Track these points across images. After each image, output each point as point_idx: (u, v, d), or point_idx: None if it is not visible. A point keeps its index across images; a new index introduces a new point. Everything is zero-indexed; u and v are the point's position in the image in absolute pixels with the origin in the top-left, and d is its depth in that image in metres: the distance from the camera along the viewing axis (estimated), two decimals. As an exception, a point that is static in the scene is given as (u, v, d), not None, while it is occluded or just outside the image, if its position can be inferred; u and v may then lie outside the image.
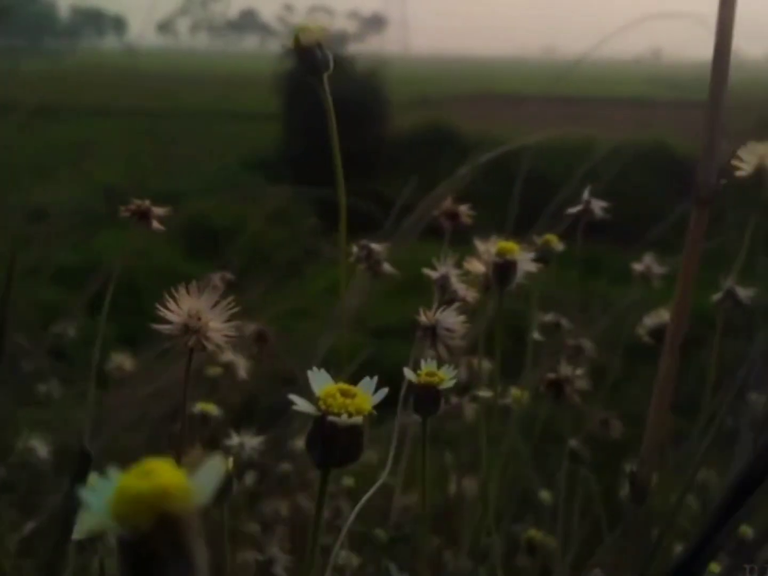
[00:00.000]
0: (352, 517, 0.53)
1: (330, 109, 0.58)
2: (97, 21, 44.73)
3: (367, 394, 0.39)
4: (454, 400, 0.80)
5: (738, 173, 0.63)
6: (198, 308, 0.50)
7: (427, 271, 0.63)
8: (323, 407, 0.38)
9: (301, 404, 0.38)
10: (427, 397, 0.51)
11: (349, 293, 1.27)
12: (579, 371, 0.74)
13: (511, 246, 0.58)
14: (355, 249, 0.68)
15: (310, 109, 9.63)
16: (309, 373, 0.39)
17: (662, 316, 0.69)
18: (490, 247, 0.57)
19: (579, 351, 0.86)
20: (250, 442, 0.79)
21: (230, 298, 0.50)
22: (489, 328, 1.02)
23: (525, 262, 0.58)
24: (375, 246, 0.67)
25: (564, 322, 0.81)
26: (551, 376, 0.74)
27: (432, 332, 0.58)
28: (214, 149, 9.28)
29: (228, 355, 0.93)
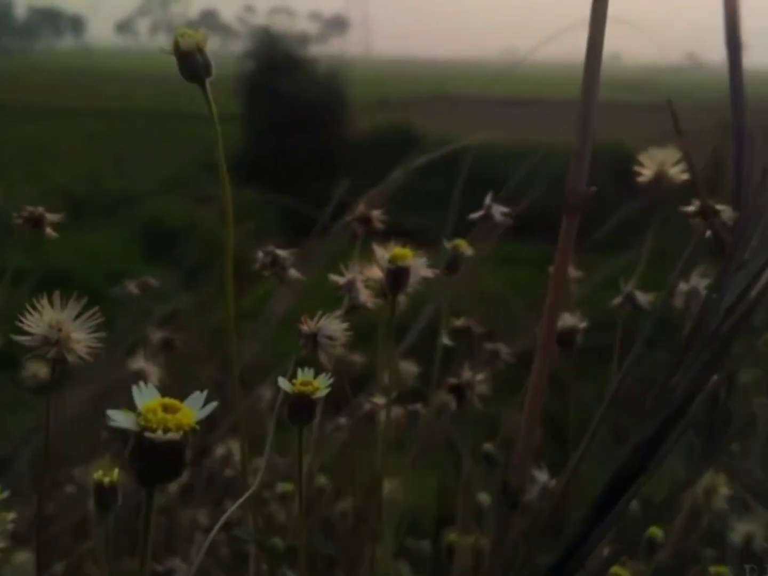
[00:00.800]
0: (217, 527, 0.52)
1: (213, 114, 0.57)
2: (54, 20, 44.12)
3: (192, 409, 0.38)
4: (368, 405, 0.80)
5: (639, 179, 0.64)
6: (59, 319, 0.49)
7: (333, 277, 0.62)
8: (142, 423, 0.37)
9: (119, 420, 0.37)
10: (301, 406, 0.50)
11: (286, 296, 1.26)
12: (481, 376, 0.73)
13: (404, 252, 0.57)
14: (260, 255, 0.67)
15: (269, 110, 9.61)
16: (133, 388, 0.38)
17: (567, 319, 0.69)
18: (385, 254, 0.57)
19: (495, 356, 0.86)
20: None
21: (94, 309, 0.49)
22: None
23: (419, 267, 0.57)
24: (280, 252, 0.67)
25: (475, 326, 0.81)
26: (453, 381, 0.74)
27: (313, 340, 0.57)
28: (172, 150, 9.20)
29: (139, 363, 0.92)
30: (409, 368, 1.02)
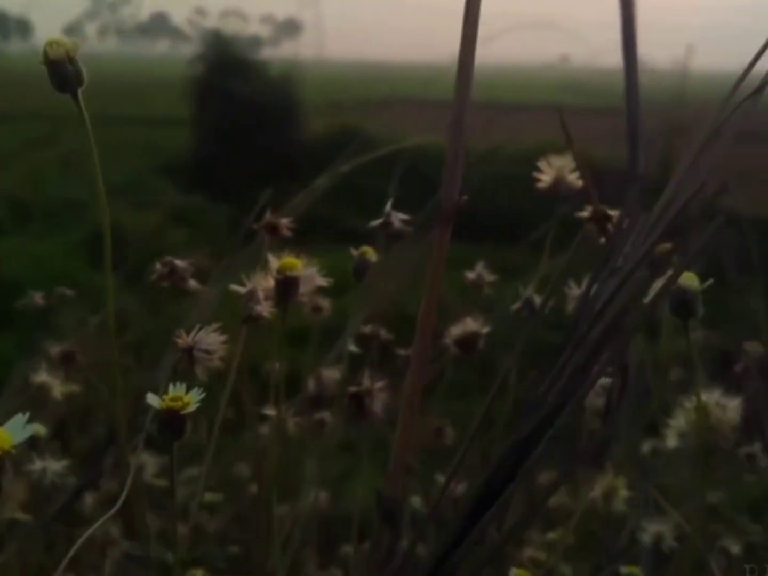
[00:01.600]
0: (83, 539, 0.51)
1: (86, 121, 0.56)
2: (1, 23, 43.24)
3: (9, 433, 0.37)
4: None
5: (539, 185, 0.64)
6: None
7: (234, 287, 0.61)
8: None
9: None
10: (170, 422, 0.50)
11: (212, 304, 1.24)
12: (380, 384, 0.73)
13: (292, 262, 0.57)
14: (158, 266, 0.66)
15: (220, 113, 9.54)
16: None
17: (470, 325, 0.69)
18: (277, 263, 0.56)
19: (406, 362, 0.86)
20: (53, 466, 0.76)
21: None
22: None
23: (311, 277, 0.57)
24: (179, 262, 0.66)
25: (380, 333, 0.81)
26: (353, 389, 0.73)
27: (189, 354, 0.56)
28: (122, 155, 9.08)
29: (42, 377, 0.90)
30: (332, 375, 1.02)
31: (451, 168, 0.44)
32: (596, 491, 0.70)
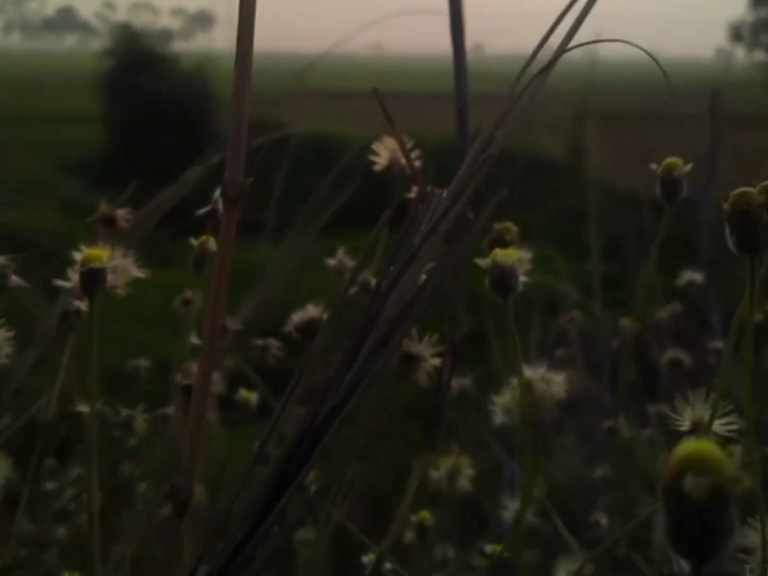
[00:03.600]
0: None
1: None
2: None
3: None
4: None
5: (375, 167, 0.64)
6: None
7: (57, 282, 0.59)
8: None
9: None
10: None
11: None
12: (216, 375, 0.72)
13: (97, 253, 0.56)
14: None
15: (131, 109, 9.33)
16: None
17: (311, 311, 0.69)
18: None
19: (264, 351, 0.85)
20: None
21: None
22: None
23: (123, 268, 0.55)
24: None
25: (231, 323, 0.80)
26: (186, 382, 0.72)
27: None
28: (31, 154, 8.80)
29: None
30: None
31: (235, 151, 0.43)
32: (441, 471, 0.71)
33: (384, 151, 0.64)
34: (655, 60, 0.62)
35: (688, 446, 0.23)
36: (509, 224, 0.67)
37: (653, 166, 0.65)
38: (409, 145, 0.63)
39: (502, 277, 0.52)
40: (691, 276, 1.36)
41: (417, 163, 0.64)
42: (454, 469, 0.71)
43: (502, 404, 0.56)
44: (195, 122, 8.98)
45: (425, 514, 0.74)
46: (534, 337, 1.60)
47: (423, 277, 0.42)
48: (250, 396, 0.95)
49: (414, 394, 0.69)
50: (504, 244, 0.63)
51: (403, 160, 0.63)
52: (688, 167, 0.61)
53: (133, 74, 9.63)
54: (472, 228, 0.42)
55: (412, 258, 0.41)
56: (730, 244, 0.43)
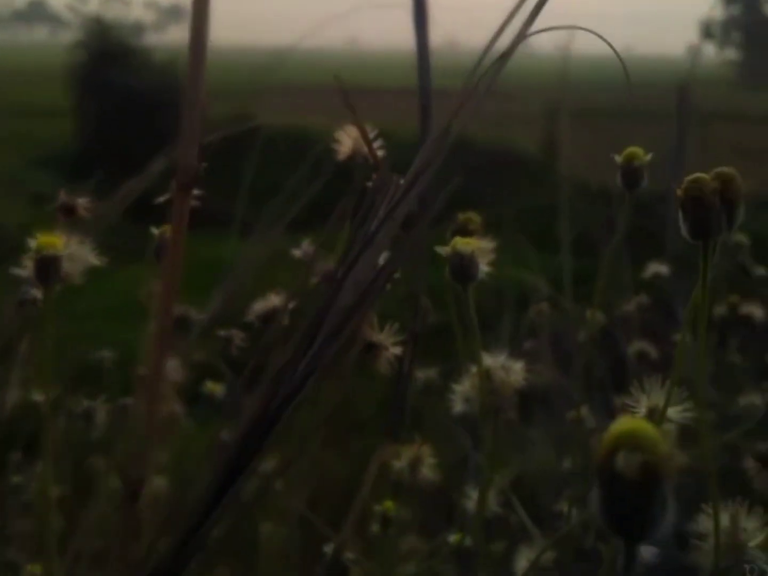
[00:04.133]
0: None
1: None
2: None
3: None
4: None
5: (338, 157, 0.64)
6: None
7: (14, 270, 0.59)
8: None
9: None
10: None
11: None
12: (173, 363, 0.71)
13: (52, 240, 0.55)
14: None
15: (103, 102, 9.24)
16: None
17: (272, 300, 0.69)
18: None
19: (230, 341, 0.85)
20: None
21: None
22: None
23: (80, 256, 0.55)
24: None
25: (192, 314, 0.80)
26: (140, 372, 0.71)
27: None
28: (0, 148, 8.70)
29: None
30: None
31: (188, 137, 0.43)
32: (402, 461, 0.71)
33: (347, 140, 0.64)
34: (617, 54, 0.63)
35: (622, 424, 0.23)
36: (472, 214, 0.67)
37: (616, 157, 0.65)
38: (372, 135, 0.63)
39: (462, 265, 0.52)
40: (657, 268, 1.38)
41: (380, 153, 0.63)
42: (416, 459, 0.71)
43: (461, 392, 0.56)
44: (167, 116, 8.91)
45: (389, 505, 0.74)
46: (504, 332, 1.61)
47: (380, 263, 0.42)
48: (215, 388, 0.95)
49: (385, 385, 0.69)
50: (467, 233, 0.63)
51: (366, 149, 0.62)
52: (648, 157, 0.62)
53: (105, 67, 9.54)
54: (428, 214, 0.42)
55: (368, 243, 0.41)
56: (683, 230, 0.44)
